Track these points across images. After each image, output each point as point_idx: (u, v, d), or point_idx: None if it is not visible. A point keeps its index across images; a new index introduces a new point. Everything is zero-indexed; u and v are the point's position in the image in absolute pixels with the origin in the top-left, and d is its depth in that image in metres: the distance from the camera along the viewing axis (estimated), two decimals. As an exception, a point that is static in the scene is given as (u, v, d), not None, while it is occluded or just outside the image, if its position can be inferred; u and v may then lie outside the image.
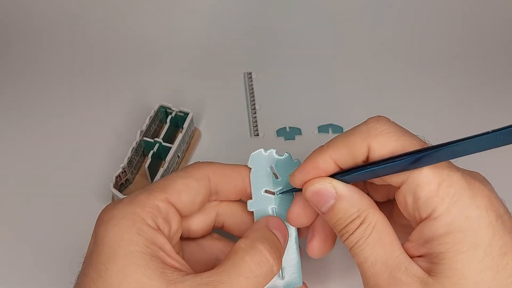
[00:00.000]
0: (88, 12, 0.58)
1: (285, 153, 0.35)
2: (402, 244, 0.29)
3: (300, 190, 0.32)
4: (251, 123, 0.51)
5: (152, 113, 0.46)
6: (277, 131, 0.51)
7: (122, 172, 0.43)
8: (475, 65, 0.57)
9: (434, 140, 0.30)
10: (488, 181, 0.29)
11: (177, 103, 0.48)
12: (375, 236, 0.29)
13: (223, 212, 0.35)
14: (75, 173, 0.47)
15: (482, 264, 0.26)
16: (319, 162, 0.30)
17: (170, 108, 0.47)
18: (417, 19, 0.60)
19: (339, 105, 0.53)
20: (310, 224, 0.34)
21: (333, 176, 0.31)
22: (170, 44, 0.57)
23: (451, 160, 0.28)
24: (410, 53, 0.58)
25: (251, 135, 0.51)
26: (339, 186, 0.30)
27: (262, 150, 0.34)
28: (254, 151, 0.34)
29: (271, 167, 0.35)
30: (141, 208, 0.30)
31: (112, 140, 0.49)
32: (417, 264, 0.28)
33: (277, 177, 0.35)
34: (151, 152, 0.44)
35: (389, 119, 0.30)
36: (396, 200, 0.29)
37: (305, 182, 0.31)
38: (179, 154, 0.46)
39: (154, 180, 0.43)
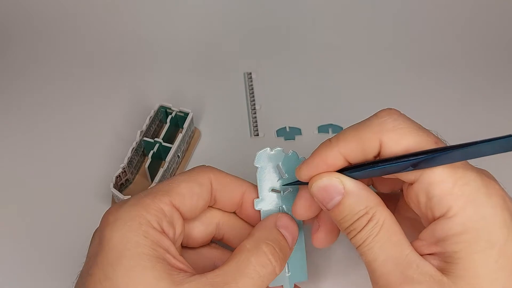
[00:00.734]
0: (88, 12, 0.58)
1: (291, 151, 0.34)
2: (412, 242, 0.28)
3: (304, 183, 0.31)
4: (251, 123, 0.51)
5: (152, 113, 0.46)
6: (277, 131, 0.51)
7: (122, 172, 0.43)
8: (476, 64, 0.57)
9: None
10: (496, 180, 0.29)
11: (177, 103, 0.48)
12: (384, 234, 0.28)
13: (224, 224, 0.35)
14: (75, 173, 0.47)
15: (497, 264, 0.26)
16: (328, 157, 0.29)
17: (170, 108, 0.47)
18: (417, 19, 0.60)
19: (339, 105, 0.53)
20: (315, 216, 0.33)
21: (340, 171, 0.30)
22: (170, 44, 0.57)
23: None
24: (410, 53, 0.58)
25: (251, 135, 0.51)
26: (347, 182, 0.29)
27: (268, 148, 0.34)
28: (260, 150, 0.34)
29: (277, 166, 0.34)
30: (147, 211, 0.30)
31: (112, 140, 0.49)
32: (429, 262, 0.27)
33: (283, 176, 0.34)
34: (151, 152, 0.44)
35: (401, 112, 0.29)
36: (407, 197, 0.29)
37: (312, 177, 0.30)
38: (179, 154, 0.46)
39: (154, 181, 0.43)
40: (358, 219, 0.28)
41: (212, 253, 0.36)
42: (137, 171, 0.46)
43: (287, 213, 0.34)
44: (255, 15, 0.59)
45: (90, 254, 0.30)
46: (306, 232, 0.35)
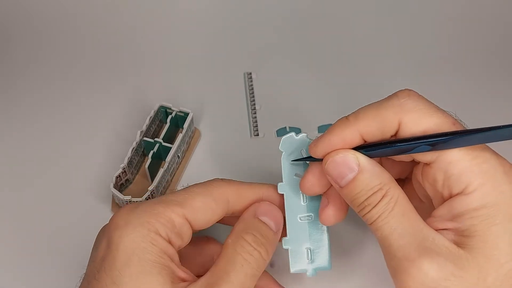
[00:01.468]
0: (87, 12, 0.58)
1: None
2: (424, 220, 0.29)
3: (315, 160, 0.31)
4: (251, 123, 0.51)
5: (152, 113, 0.46)
6: (277, 131, 0.51)
7: (122, 172, 0.43)
8: (476, 65, 0.57)
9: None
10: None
11: (177, 103, 0.48)
12: (399, 209, 0.28)
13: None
14: (75, 173, 0.47)
15: None
16: (346, 135, 0.30)
17: (170, 108, 0.47)
18: (418, 19, 0.60)
19: (339, 105, 0.53)
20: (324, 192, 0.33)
21: (355, 149, 0.30)
22: (170, 44, 0.57)
23: None
24: (410, 53, 0.58)
25: (251, 135, 0.51)
26: (362, 159, 0.29)
27: (293, 133, 0.34)
28: (285, 135, 0.34)
29: (301, 151, 0.34)
30: (156, 219, 0.30)
31: (112, 140, 0.49)
32: (444, 237, 0.28)
33: (307, 161, 0.34)
34: (151, 152, 0.44)
35: (419, 94, 0.29)
36: (422, 178, 0.29)
37: (327, 154, 0.30)
38: (179, 154, 0.46)
39: (154, 181, 0.43)
40: (372, 194, 0.29)
41: (211, 249, 0.36)
42: (137, 171, 0.46)
43: (267, 201, 0.34)
44: (255, 15, 0.59)
45: (96, 256, 0.30)
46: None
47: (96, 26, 0.58)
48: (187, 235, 0.32)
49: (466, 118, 0.51)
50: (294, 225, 0.34)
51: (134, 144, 0.44)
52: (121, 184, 0.44)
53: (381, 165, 0.33)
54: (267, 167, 0.47)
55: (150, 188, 0.42)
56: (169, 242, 0.30)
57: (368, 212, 0.29)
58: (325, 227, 0.35)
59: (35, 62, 0.55)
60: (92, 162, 0.47)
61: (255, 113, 0.52)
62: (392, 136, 0.29)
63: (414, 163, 0.31)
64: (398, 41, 0.58)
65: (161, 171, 0.43)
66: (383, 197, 0.28)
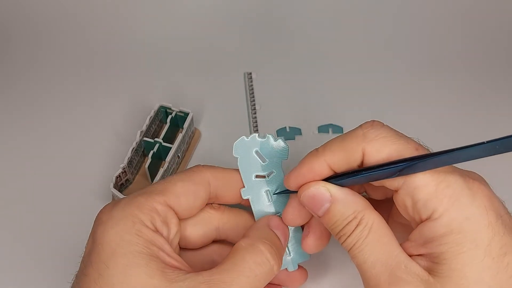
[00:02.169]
0: (88, 12, 0.58)
1: (267, 135, 0.35)
2: (402, 244, 0.29)
3: (294, 192, 0.32)
4: (251, 123, 0.51)
5: (152, 113, 0.46)
6: (277, 131, 0.51)
7: (122, 172, 0.43)
8: (477, 66, 0.57)
9: (435, 140, 0.30)
10: (485, 181, 0.29)
11: (177, 103, 0.48)
12: (372, 236, 0.29)
13: (225, 226, 0.35)
14: (75, 173, 0.47)
15: (483, 264, 0.26)
16: (314, 166, 0.30)
17: (170, 108, 0.47)
18: (418, 19, 0.60)
19: (339, 105, 0.53)
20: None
21: (328, 179, 0.31)
22: (170, 44, 0.57)
23: None
24: (410, 53, 0.58)
25: (251, 135, 0.51)
26: (334, 189, 0.30)
27: (244, 137, 0.35)
28: (235, 140, 0.35)
29: (256, 152, 0.35)
30: (140, 210, 0.30)
31: (112, 140, 0.49)
32: (417, 263, 0.28)
33: (264, 161, 0.35)
34: (151, 152, 0.44)
35: (383, 124, 0.30)
36: (395, 203, 0.29)
37: (301, 186, 0.31)
38: (179, 154, 0.46)
39: (154, 180, 0.43)
40: (347, 224, 0.29)
41: (210, 249, 0.36)
42: (137, 171, 0.46)
43: (278, 216, 0.35)
44: (255, 15, 0.59)
45: (84, 253, 0.30)
46: None
47: (96, 26, 0.58)
48: (174, 223, 0.32)
49: (466, 118, 0.52)
50: None
51: (134, 144, 0.44)
52: (121, 184, 0.44)
53: (366, 189, 0.34)
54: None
55: (150, 188, 0.42)
56: (156, 231, 0.30)
57: (345, 241, 0.29)
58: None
59: (35, 62, 0.55)
60: (92, 162, 0.47)
61: (255, 113, 0.52)
62: (359, 165, 0.30)
63: None
64: (398, 41, 0.58)
65: (161, 171, 0.43)
66: (357, 225, 0.29)
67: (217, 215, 0.35)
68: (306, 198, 0.31)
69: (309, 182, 0.31)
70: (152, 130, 0.47)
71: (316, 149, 0.31)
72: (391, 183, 0.28)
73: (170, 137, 0.46)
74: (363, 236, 0.29)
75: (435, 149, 0.29)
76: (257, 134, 0.35)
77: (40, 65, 0.55)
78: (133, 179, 0.46)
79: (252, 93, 0.53)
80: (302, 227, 0.35)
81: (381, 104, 0.53)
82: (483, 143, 0.24)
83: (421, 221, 0.28)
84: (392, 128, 0.30)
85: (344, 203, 0.30)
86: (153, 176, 0.44)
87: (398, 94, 0.54)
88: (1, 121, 0.51)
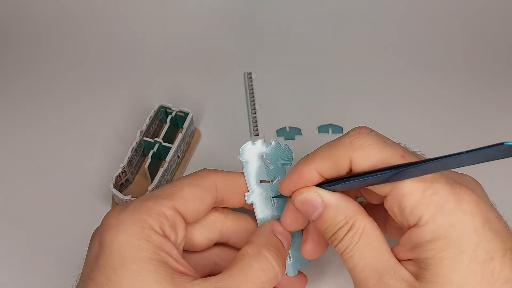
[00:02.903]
0: (87, 12, 0.58)
1: (273, 141, 0.35)
2: (393, 247, 0.29)
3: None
4: (251, 123, 0.51)
5: (152, 113, 0.46)
6: (277, 131, 0.51)
7: (122, 172, 0.43)
8: (477, 66, 0.57)
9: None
10: (478, 184, 0.30)
11: (177, 103, 0.48)
12: (363, 242, 0.29)
13: (228, 229, 0.35)
14: (75, 173, 0.47)
15: (468, 269, 0.26)
16: (305, 173, 0.31)
17: (170, 108, 0.47)
18: (418, 19, 0.60)
19: (339, 105, 0.53)
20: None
21: (321, 184, 0.31)
22: (170, 44, 0.57)
23: None
24: (410, 53, 0.58)
25: (251, 135, 0.51)
26: (326, 195, 0.30)
27: (250, 142, 0.35)
28: (242, 145, 0.35)
29: (261, 157, 0.35)
30: (149, 215, 0.30)
31: (112, 140, 0.49)
32: (406, 268, 0.28)
33: (269, 166, 0.35)
34: (151, 152, 0.44)
35: (371, 130, 0.30)
36: (386, 208, 0.30)
37: (293, 192, 0.32)
38: (179, 154, 0.46)
39: (154, 180, 0.43)
40: (339, 229, 0.30)
41: (212, 252, 0.36)
42: (137, 171, 0.46)
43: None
44: (255, 15, 0.59)
45: (90, 257, 0.30)
46: None
47: (96, 27, 0.58)
48: (181, 228, 0.32)
49: (466, 118, 0.52)
50: None
51: (134, 144, 0.44)
52: (121, 184, 0.44)
53: (362, 193, 0.34)
54: (267, 167, 0.47)
55: (150, 188, 0.42)
56: (165, 236, 0.30)
57: (336, 245, 0.30)
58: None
59: (35, 62, 0.55)
60: (92, 161, 0.47)
61: (255, 113, 0.52)
62: (347, 172, 0.30)
63: None
64: (398, 41, 0.58)
65: (161, 171, 0.43)
66: (348, 230, 0.29)
67: (221, 218, 0.35)
68: (299, 203, 0.31)
69: (301, 188, 0.31)
70: (152, 130, 0.47)
71: (307, 156, 0.32)
72: (381, 189, 0.29)
73: (170, 137, 0.46)
74: (354, 241, 0.29)
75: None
76: (262, 140, 0.35)
77: (40, 65, 0.55)
78: (133, 179, 0.46)
79: (252, 93, 0.53)
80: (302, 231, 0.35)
81: (381, 104, 0.53)
82: (461, 153, 0.24)
83: (409, 227, 0.28)
84: (379, 135, 0.30)
85: (336, 208, 0.30)
86: (153, 176, 0.44)
87: (398, 94, 0.54)
88: (1, 121, 0.51)
